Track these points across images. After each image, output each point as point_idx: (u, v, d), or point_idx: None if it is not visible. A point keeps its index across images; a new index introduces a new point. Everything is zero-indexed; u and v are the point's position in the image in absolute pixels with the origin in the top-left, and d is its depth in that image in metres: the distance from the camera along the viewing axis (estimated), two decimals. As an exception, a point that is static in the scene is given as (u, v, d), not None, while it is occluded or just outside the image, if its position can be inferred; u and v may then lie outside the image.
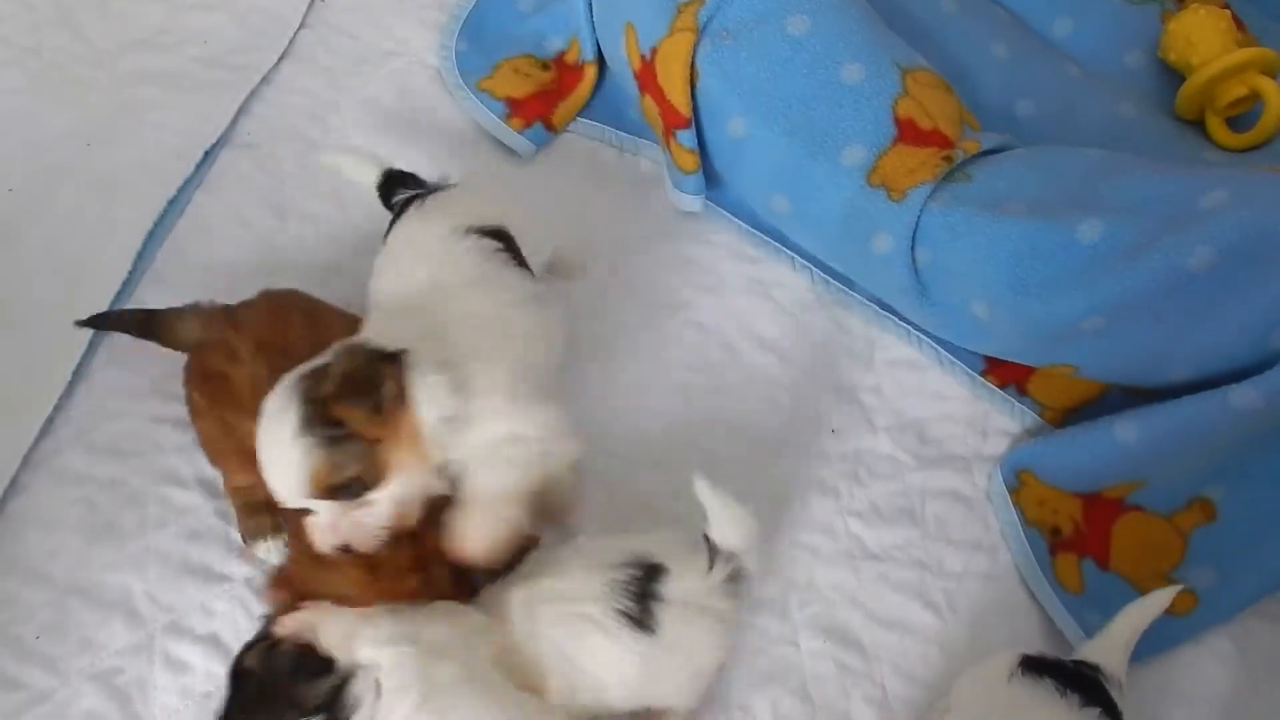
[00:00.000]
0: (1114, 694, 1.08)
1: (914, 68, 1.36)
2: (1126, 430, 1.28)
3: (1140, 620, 1.18)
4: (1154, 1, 1.60)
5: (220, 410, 1.20)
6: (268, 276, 1.45)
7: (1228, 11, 1.55)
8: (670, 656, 1.11)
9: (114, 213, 1.47)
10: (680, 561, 1.12)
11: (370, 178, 1.33)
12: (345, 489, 1.03)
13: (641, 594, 1.09)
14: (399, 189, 1.31)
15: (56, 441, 1.36)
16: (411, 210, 1.25)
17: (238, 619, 1.28)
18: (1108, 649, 1.15)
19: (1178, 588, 1.21)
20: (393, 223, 1.28)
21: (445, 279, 1.17)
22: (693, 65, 1.37)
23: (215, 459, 1.28)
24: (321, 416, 1.00)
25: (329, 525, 1.05)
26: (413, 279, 1.18)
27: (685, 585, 1.11)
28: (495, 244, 1.22)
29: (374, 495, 1.05)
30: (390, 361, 1.03)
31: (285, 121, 1.58)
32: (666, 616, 1.09)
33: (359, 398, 1.01)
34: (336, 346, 1.06)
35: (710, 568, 1.12)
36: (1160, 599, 1.19)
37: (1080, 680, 1.08)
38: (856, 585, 1.30)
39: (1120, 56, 1.61)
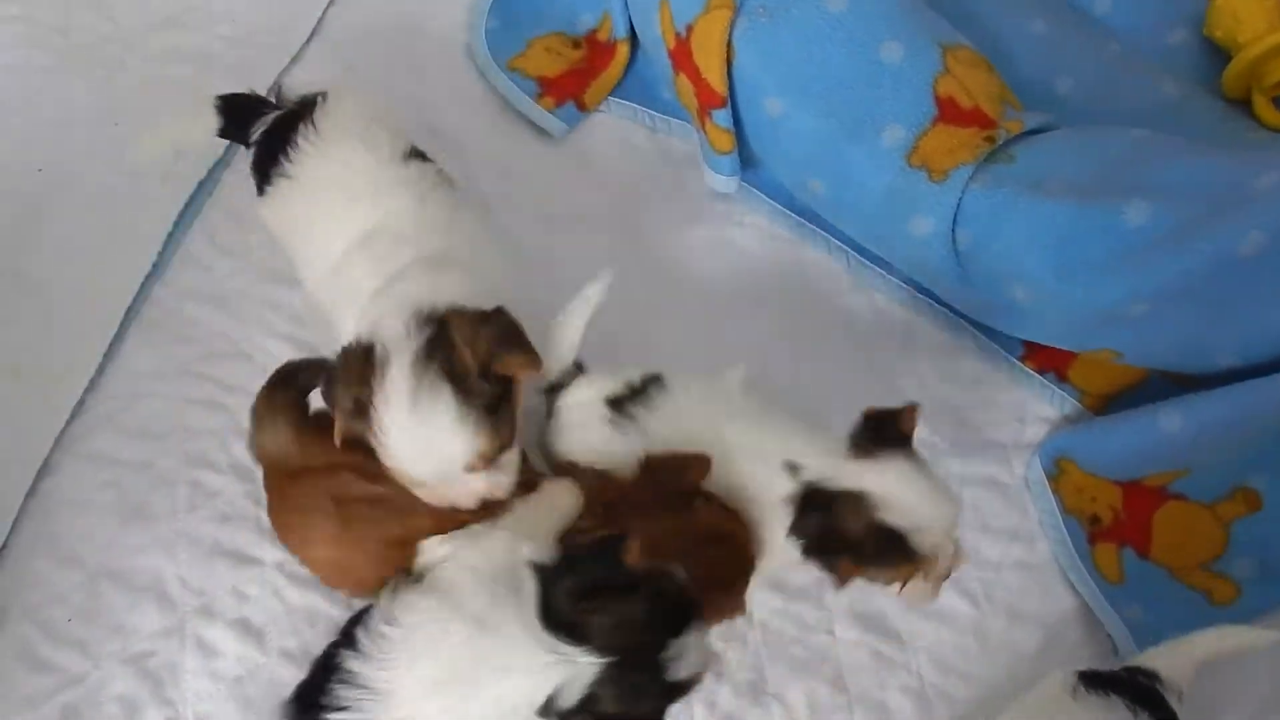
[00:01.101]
0: (1174, 704, 1.05)
1: (954, 45, 1.33)
2: (1170, 418, 1.25)
3: (1230, 645, 1.13)
4: (1197, -22, 1.56)
5: None
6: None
7: (1276, -13, 1.51)
8: None
9: (144, 192, 1.46)
10: None
11: (205, 128, 1.30)
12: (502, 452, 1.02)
13: None
14: (251, 118, 1.28)
15: (87, 423, 1.36)
16: (312, 138, 1.21)
17: (269, 603, 1.28)
18: (1179, 660, 1.10)
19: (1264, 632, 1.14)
20: (272, 158, 1.23)
21: (414, 216, 1.17)
22: (729, 43, 1.34)
23: None
24: (473, 389, 0.99)
25: (473, 491, 1.04)
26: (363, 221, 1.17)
27: None
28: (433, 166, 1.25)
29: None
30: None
31: (314, 102, 1.56)
32: None
33: (518, 347, 1.01)
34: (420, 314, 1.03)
35: None
36: (1240, 635, 1.14)
37: (1143, 694, 1.04)
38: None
39: (1163, 34, 1.57)
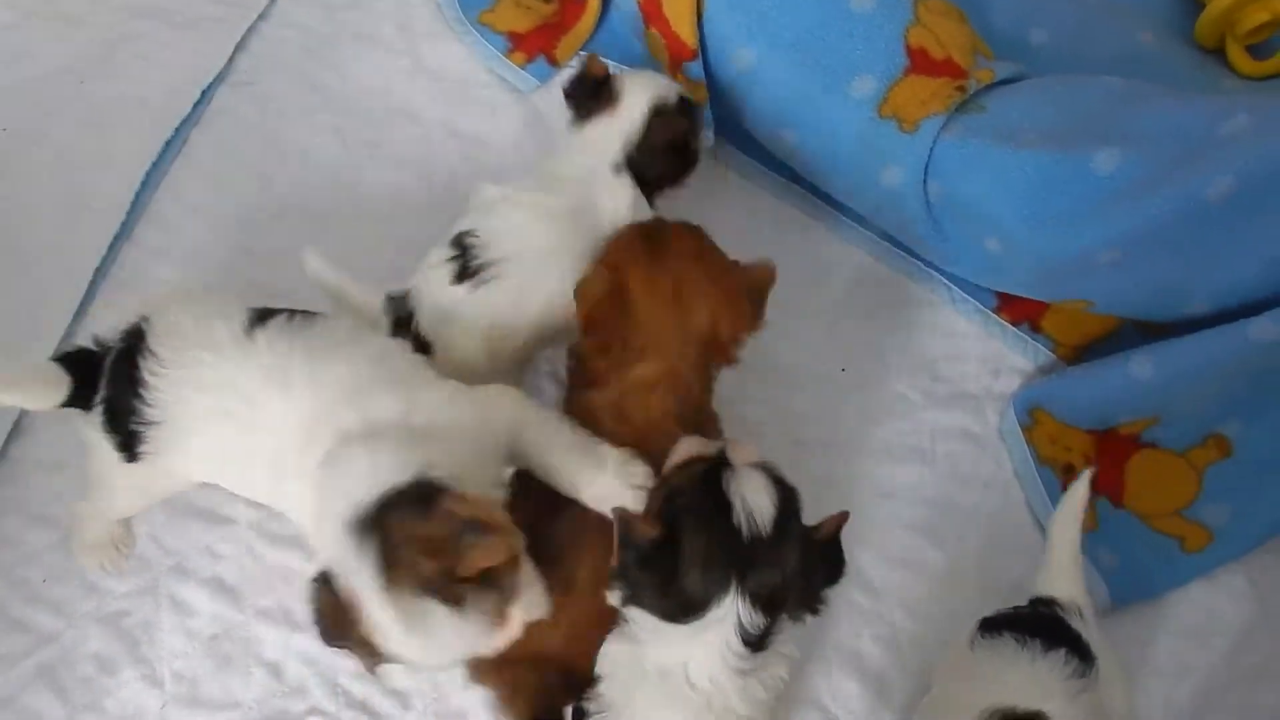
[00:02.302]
0: (1075, 624, 1.04)
1: (929, -9, 1.32)
2: (1143, 366, 1.25)
3: (1070, 529, 1.12)
4: (1172, -74, 1.55)
5: None
6: (267, 216, 1.44)
7: (1250, -66, 1.50)
8: None
9: (111, 150, 1.44)
10: None
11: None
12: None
13: None
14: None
15: (59, 384, 1.35)
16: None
17: (243, 561, 1.28)
18: (1055, 575, 1.10)
19: (1089, 472, 1.13)
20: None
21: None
22: (699, -5, 1.33)
23: None
24: (455, 593, 0.89)
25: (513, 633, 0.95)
26: None
27: None
28: None
29: None
30: None
31: (283, 58, 1.54)
32: None
33: (472, 534, 0.89)
34: None
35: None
36: (1077, 492, 1.12)
37: (1040, 624, 1.04)
38: (866, 524, 1.28)
39: (1139, -16, 1.56)
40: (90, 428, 1.07)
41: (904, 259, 1.43)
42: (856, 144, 1.31)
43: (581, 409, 1.10)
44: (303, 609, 1.23)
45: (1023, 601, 1.10)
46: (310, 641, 1.24)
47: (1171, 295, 1.26)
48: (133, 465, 1.05)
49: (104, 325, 1.10)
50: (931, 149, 1.27)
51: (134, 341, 1.03)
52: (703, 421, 1.11)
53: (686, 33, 1.36)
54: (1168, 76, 1.44)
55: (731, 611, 0.89)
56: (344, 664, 1.23)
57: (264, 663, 1.24)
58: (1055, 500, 1.29)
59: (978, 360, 1.40)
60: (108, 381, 1.05)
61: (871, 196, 1.37)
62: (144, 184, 1.43)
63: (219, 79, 1.51)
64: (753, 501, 0.90)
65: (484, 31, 1.53)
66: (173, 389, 1.01)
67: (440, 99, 1.52)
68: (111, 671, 1.23)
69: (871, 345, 1.40)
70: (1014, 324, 1.40)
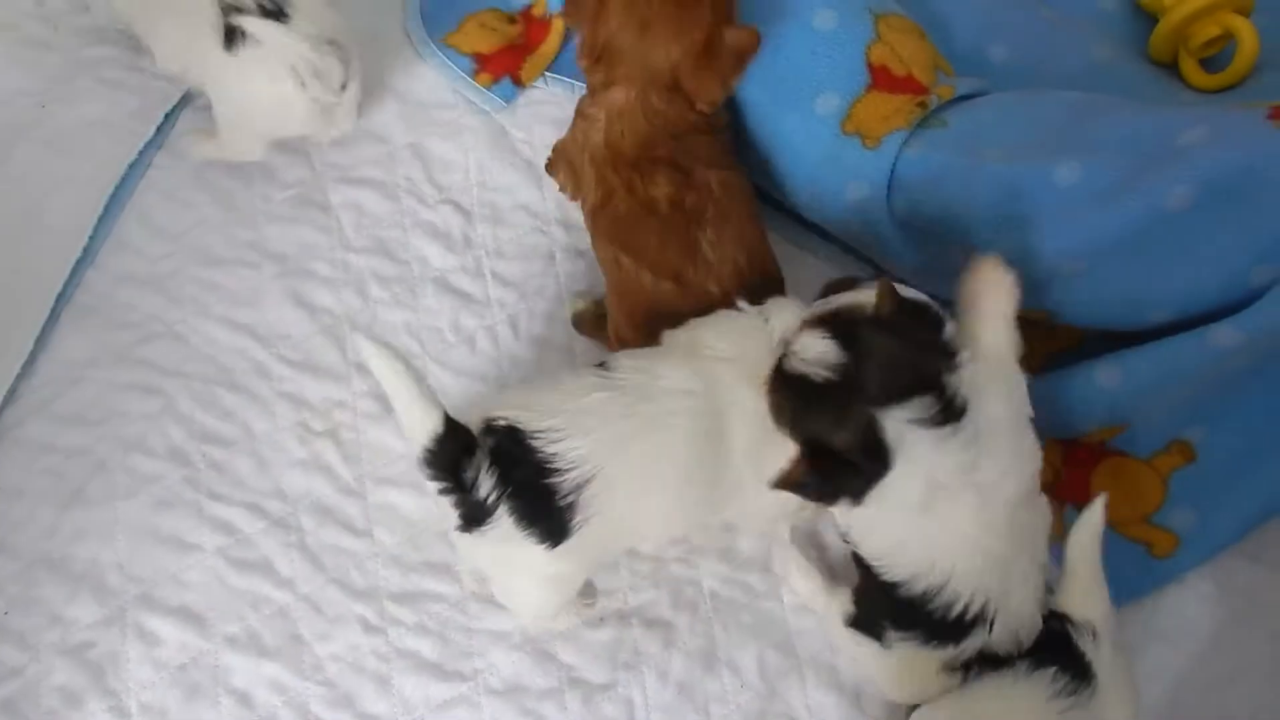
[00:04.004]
0: (1083, 643, 1.04)
1: (886, 13, 1.34)
2: (1108, 375, 1.26)
3: (1089, 551, 1.12)
4: (1125, -55, 1.58)
5: None
6: (233, 240, 1.44)
7: (1201, -48, 1.53)
8: None
9: (73, 174, 1.43)
10: None
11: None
12: None
13: None
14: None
15: (21, 410, 1.34)
16: None
17: (210, 589, 1.27)
18: (1074, 594, 1.10)
19: (1104, 497, 1.13)
20: None
21: None
22: (660, 18, 1.34)
23: None
24: None
25: None
26: None
27: None
28: None
29: None
30: None
31: (247, 80, 1.53)
32: None
33: None
34: None
35: None
36: (1094, 514, 1.12)
37: (1047, 639, 1.05)
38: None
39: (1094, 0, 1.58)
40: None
41: (867, 268, 1.44)
42: (821, 160, 1.32)
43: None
44: (271, 635, 1.23)
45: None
46: (280, 669, 1.23)
47: (1134, 304, 1.27)
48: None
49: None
50: (894, 165, 1.29)
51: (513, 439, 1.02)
52: (713, 154, 1.22)
53: (647, 55, 1.37)
54: (1124, 90, 1.46)
55: None
56: (315, 691, 1.22)
57: (233, 691, 1.22)
58: (1025, 509, 1.32)
59: (945, 372, 1.41)
60: (508, 489, 1.01)
61: (836, 212, 1.37)
62: (107, 208, 1.42)
63: (183, 102, 1.50)
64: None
65: (449, 53, 1.53)
66: (579, 448, 1.01)
67: (405, 120, 1.52)
68: (77, 704, 1.21)
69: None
70: (980, 336, 1.41)
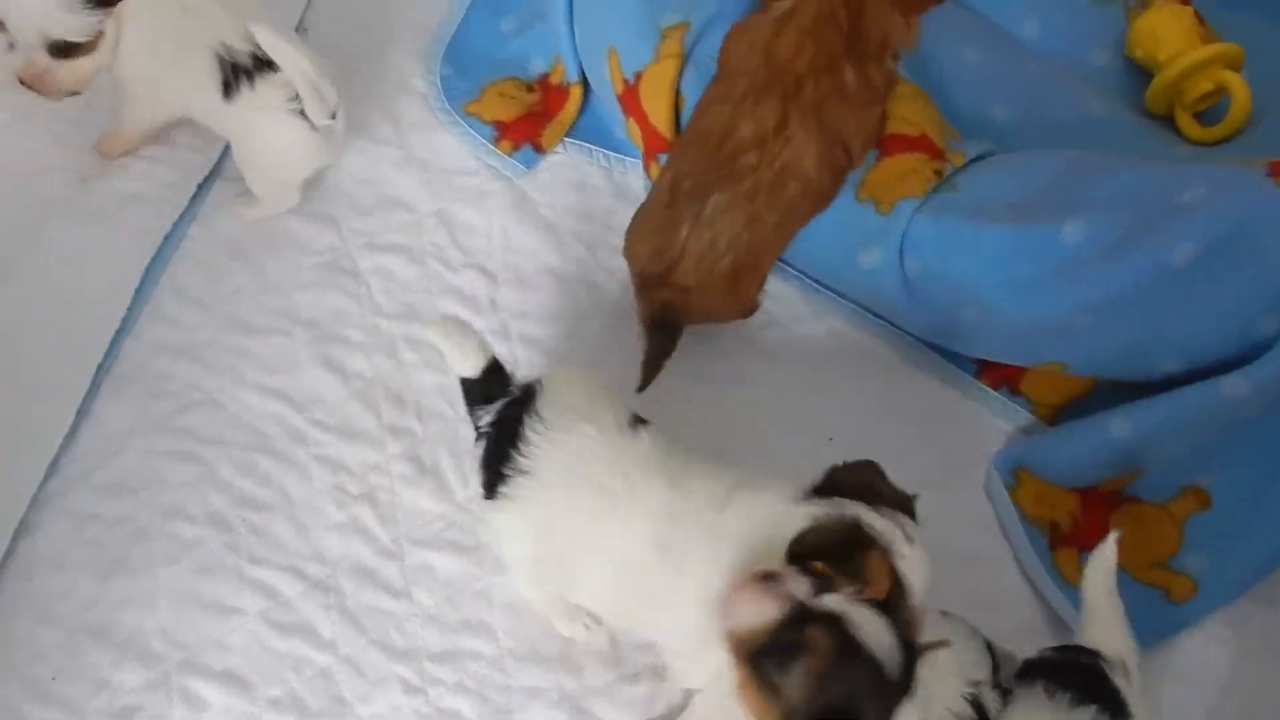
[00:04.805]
0: (1119, 680, 1.07)
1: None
2: (1121, 425, 1.31)
3: (1104, 585, 1.16)
4: (1117, 1, 1.64)
5: None
6: (265, 308, 1.47)
7: (1190, 8, 1.59)
8: None
9: (110, 246, 1.47)
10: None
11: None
12: None
13: None
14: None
15: (63, 481, 1.36)
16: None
17: (253, 652, 1.29)
18: (1099, 631, 1.13)
19: (1115, 534, 1.18)
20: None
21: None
22: (677, 91, 1.39)
23: None
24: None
25: None
26: None
27: None
28: None
29: None
30: None
31: (276, 152, 1.58)
32: None
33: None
34: None
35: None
36: (1104, 551, 1.17)
37: (1078, 673, 1.07)
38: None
39: (1088, 55, 1.63)
40: None
41: (884, 328, 1.48)
42: (836, 227, 1.37)
43: None
44: (313, 697, 1.25)
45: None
46: (322, 731, 1.26)
47: (1144, 356, 1.31)
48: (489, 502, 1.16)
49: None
50: (906, 229, 1.33)
51: (527, 397, 1.14)
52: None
53: (663, 125, 1.42)
54: (1122, 144, 1.52)
55: None
56: (356, 751, 1.25)
57: (277, 753, 1.25)
58: (1043, 557, 1.35)
59: (961, 424, 1.44)
60: (494, 422, 1.16)
61: (850, 276, 1.42)
62: (143, 279, 1.46)
63: (214, 174, 1.55)
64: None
65: (471, 121, 1.58)
66: (549, 448, 1.11)
67: (430, 187, 1.56)
68: (126, 767, 1.23)
69: (855, 414, 1.43)
70: (994, 388, 1.45)
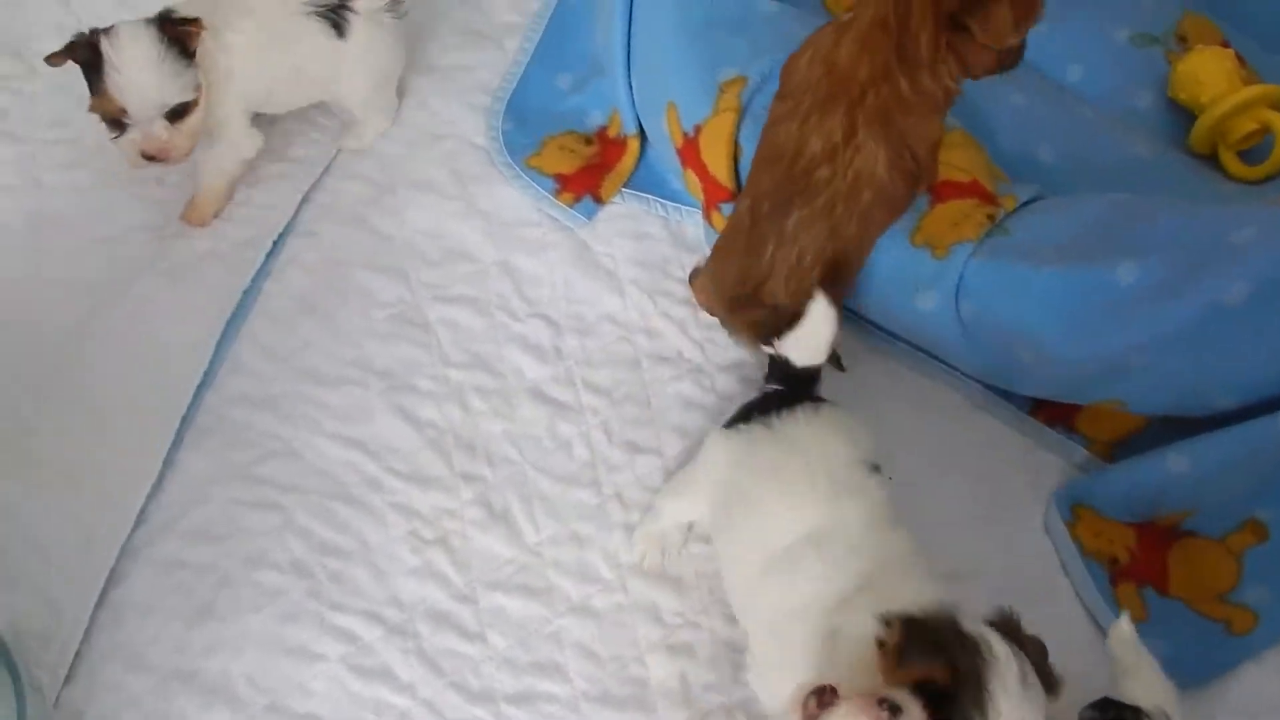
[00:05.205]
0: None
1: (947, 129, 1.42)
2: (1179, 461, 1.33)
3: (1130, 642, 1.17)
4: (1157, 44, 1.68)
5: None
6: (339, 359, 1.52)
7: (1231, 50, 1.62)
8: None
9: (191, 302, 1.52)
10: None
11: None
12: None
13: None
14: None
15: (150, 531, 1.41)
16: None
17: (335, 696, 1.33)
18: (1134, 685, 1.14)
19: (1126, 614, 1.20)
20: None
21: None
22: (736, 143, 1.44)
23: None
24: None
25: None
26: None
27: None
28: None
29: None
30: None
31: (345, 208, 1.64)
32: None
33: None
34: None
35: None
36: (1124, 625, 1.19)
37: None
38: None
39: (1131, 98, 1.67)
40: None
41: (942, 369, 1.51)
42: (891, 272, 1.40)
43: None
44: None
45: (1093, 694, 1.15)
46: (406, 773, 1.29)
47: (1199, 393, 1.34)
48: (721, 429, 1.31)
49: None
50: (961, 272, 1.37)
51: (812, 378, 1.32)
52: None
53: (724, 175, 1.46)
54: (1168, 183, 1.55)
55: None
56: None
57: (361, 796, 1.28)
58: (1104, 592, 1.37)
59: (1018, 461, 1.47)
60: (781, 393, 1.31)
61: (905, 319, 1.45)
62: (223, 333, 1.51)
63: (287, 230, 1.60)
64: None
65: (533, 175, 1.64)
66: (802, 427, 1.25)
67: (494, 238, 1.61)
68: (216, 810, 1.27)
69: (913, 452, 1.45)
70: (1050, 425, 1.48)
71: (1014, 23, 1.21)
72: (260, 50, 1.50)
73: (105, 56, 1.37)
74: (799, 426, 1.24)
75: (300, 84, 1.60)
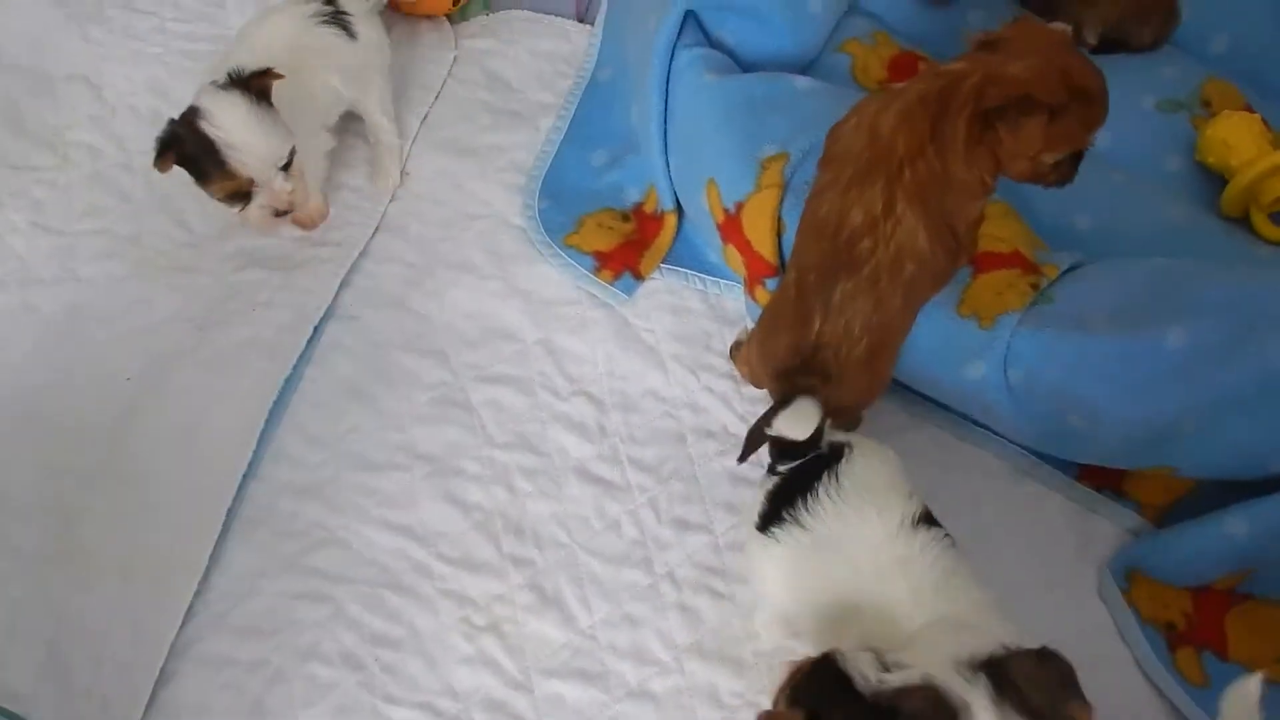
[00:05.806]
0: None
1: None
2: (1237, 524, 1.33)
3: (1253, 702, 1.13)
4: (1183, 109, 1.70)
5: None
6: (384, 444, 1.51)
7: (1257, 115, 1.65)
8: None
9: (232, 391, 1.52)
10: None
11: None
12: None
13: None
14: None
15: (199, 626, 1.39)
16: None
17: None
18: None
19: (1259, 675, 1.13)
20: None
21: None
22: (779, 218, 1.45)
23: None
24: None
25: None
26: None
27: None
28: None
29: None
30: None
31: (384, 290, 1.65)
32: None
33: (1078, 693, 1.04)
34: None
35: None
36: (1251, 686, 1.13)
37: None
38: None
39: (1160, 162, 1.68)
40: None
41: (990, 436, 1.51)
42: (938, 342, 1.41)
43: None
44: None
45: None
46: None
47: (1252, 457, 1.33)
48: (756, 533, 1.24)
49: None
50: (1009, 341, 1.37)
51: (833, 458, 1.21)
52: None
53: (768, 251, 1.47)
54: (1203, 247, 1.56)
55: None
56: None
57: None
58: (1163, 658, 1.36)
59: (1068, 527, 1.46)
60: (794, 469, 1.24)
61: (953, 388, 1.45)
62: (266, 421, 1.51)
63: (327, 315, 1.60)
64: None
65: (571, 253, 1.64)
66: (831, 516, 1.18)
67: (534, 317, 1.62)
68: None
69: (961, 519, 1.44)
70: (1098, 490, 1.48)
71: (1045, 141, 1.21)
72: (293, 91, 1.52)
73: (212, 138, 1.38)
74: (830, 521, 1.18)
75: (335, 93, 1.65)
